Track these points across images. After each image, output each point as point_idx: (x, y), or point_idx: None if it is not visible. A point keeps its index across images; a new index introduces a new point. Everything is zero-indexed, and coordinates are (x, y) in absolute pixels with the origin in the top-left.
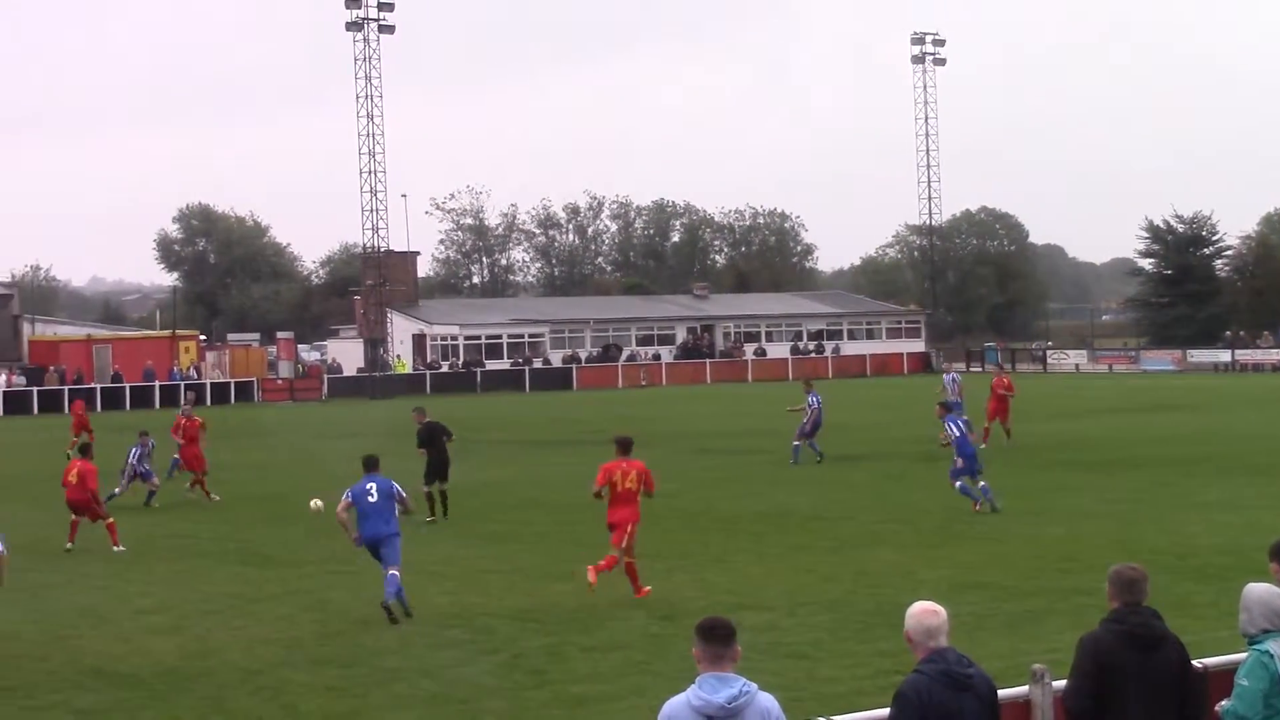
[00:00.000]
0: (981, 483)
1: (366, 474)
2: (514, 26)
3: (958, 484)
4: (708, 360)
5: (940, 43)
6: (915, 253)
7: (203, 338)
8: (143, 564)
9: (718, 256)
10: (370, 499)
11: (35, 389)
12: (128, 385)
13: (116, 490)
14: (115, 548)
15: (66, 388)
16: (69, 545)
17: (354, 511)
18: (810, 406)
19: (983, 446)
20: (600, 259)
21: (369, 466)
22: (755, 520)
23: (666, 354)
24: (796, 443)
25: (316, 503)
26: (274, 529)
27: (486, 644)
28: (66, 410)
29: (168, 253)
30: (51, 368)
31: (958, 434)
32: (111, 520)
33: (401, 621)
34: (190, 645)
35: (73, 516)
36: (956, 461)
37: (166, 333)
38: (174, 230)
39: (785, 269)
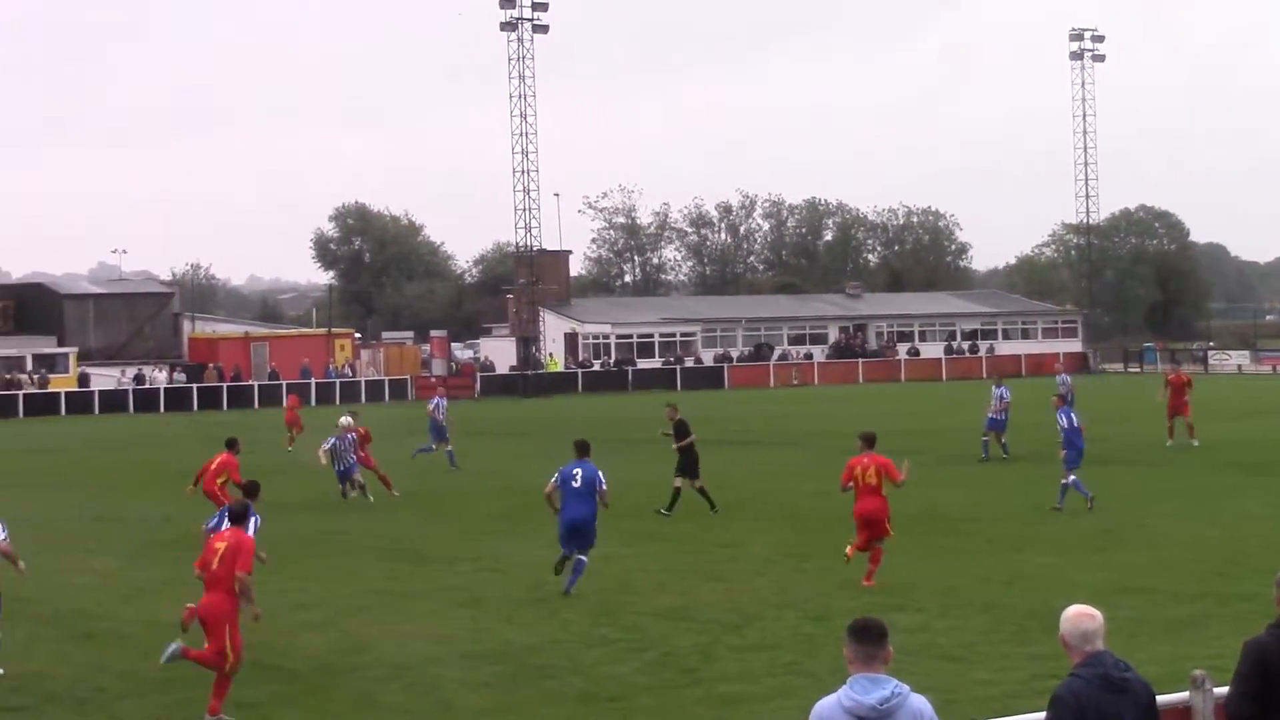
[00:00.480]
0: (1071, 477)
1: (577, 459)
2: (668, 25)
3: (1071, 477)
4: (860, 360)
5: (1099, 39)
6: (1072, 251)
7: (358, 336)
8: (298, 560)
9: (870, 255)
10: (574, 484)
11: (195, 386)
12: (284, 382)
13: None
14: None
15: (225, 384)
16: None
17: (559, 493)
18: (999, 399)
19: (1169, 444)
20: (752, 258)
21: (581, 451)
22: (907, 521)
23: (818, 353)
24: (985, 438)
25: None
26: (426, 526)
27: (637, 642)
28: (225, 406)
29: (324, 252)
30: (210, 365)
31: (1066, 425)
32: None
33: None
34: (343, 640)
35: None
36: (1061, 453)
37: (322, 330)
38: (330, 229)
39: (939, 268)
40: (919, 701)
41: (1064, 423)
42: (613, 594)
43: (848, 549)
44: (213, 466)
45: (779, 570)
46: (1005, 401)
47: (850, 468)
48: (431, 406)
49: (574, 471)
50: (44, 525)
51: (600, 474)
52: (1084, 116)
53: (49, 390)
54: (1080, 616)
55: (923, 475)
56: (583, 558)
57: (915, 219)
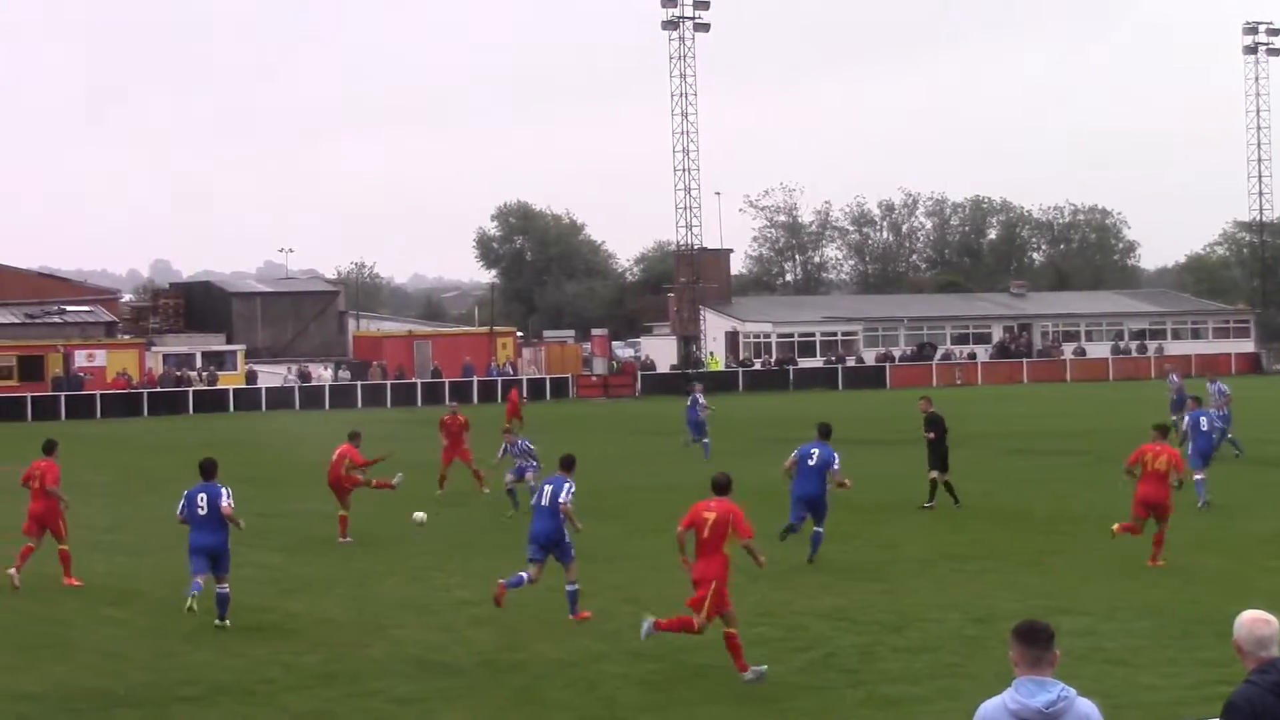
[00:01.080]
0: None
1: (818, 439)
2: (828, 23)
3: (1198, 475)
4: (1024, 360)
5: (1275, 32)
6: (1244, 250)
7: (519, 334)
8: (461, 556)
9: (1035, 254)
10: (810, 461)
11: (359, 383)
12: (447, 380)
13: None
14: (341, 538)
15: (389, 382)
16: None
17: (795, 469)
18: (1219, 394)
19: None
20: (915, 256)
21: (822, 434)
22: (1072, 522)
23: (982, 353)
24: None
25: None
26: (589, 525)
27: (797, 642)
28: (389, 404)
29: (486, 250)
30: (375, 363)
31: (1194, 426)
32: (343, 514)
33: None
34: (506, 637)
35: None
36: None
37: (484, 329)
38: (493, 228)
39: (1106, 266)
40: (1086, 706)
41: (1194, 424)
42: (773, 593)
43: (1115, 526)
44: (334, 458)
45: (940, 571)
46: (1226, 396)
47: (1141, 452)
48: (690, 402)
49: (811, 451)
50: None
51: (835, 456)
52: (1257, 112)
53: (217, 387)
54: (1255, 622)
55: (1087, 476)
56: (819, 529)
57: (1081, 217)
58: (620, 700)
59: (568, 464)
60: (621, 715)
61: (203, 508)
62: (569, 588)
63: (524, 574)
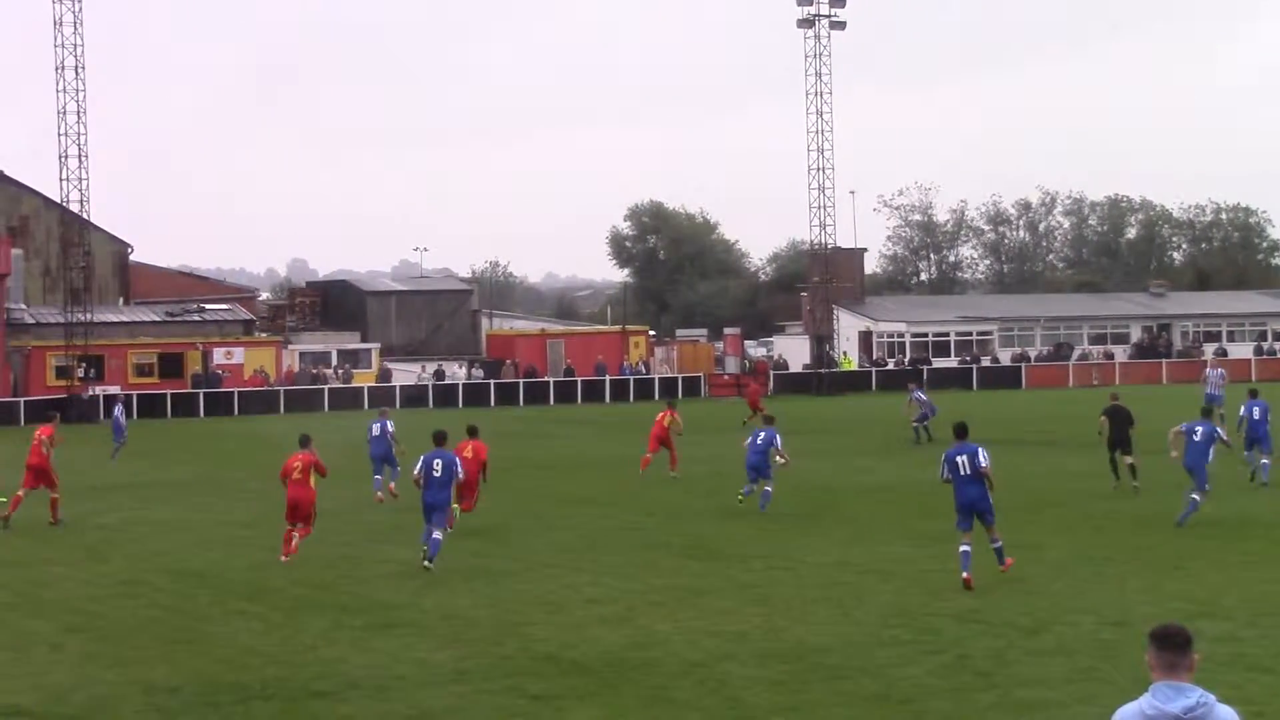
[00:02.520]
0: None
1: (958, 443)
2: (963, 22)
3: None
4: (1164, 360)
5: None
6: None
7: (652, 333)
8: (593, 554)
9: (1175, 253)
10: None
11: (492, 382)
12: (579, 379)
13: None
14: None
15: (521, 380)
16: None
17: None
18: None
19: None
20: (1051, 256)
21: (959, 434)
22: (1213, 526)
23: (1120, 353)
24: None
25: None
26: (720, 523)
27: (931, 644)
28: (521, 403)
29: (619, 249)
30: (508, 361)
31: (1247, 415)
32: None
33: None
34: (637, 636)
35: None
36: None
37: (617, 328)
38: (626, 227)
39: (1249, 266)
40: (1226, 712)
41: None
42: (907, 594)
43: None
44: (466, 454)
45: (1077, 574)
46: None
47: None
48: (911, 399)
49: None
50: (348, 516)
51: (983, 453)
52: None
53: (353, 385)
54: None
55: (1229, 479)
56: (998, 541)
57: (1224, 216)
58: (749, 701)
59: (961, 432)
60: (751, 716)
61: (437, 470)
62: (994, 544)
63: (965, 545)
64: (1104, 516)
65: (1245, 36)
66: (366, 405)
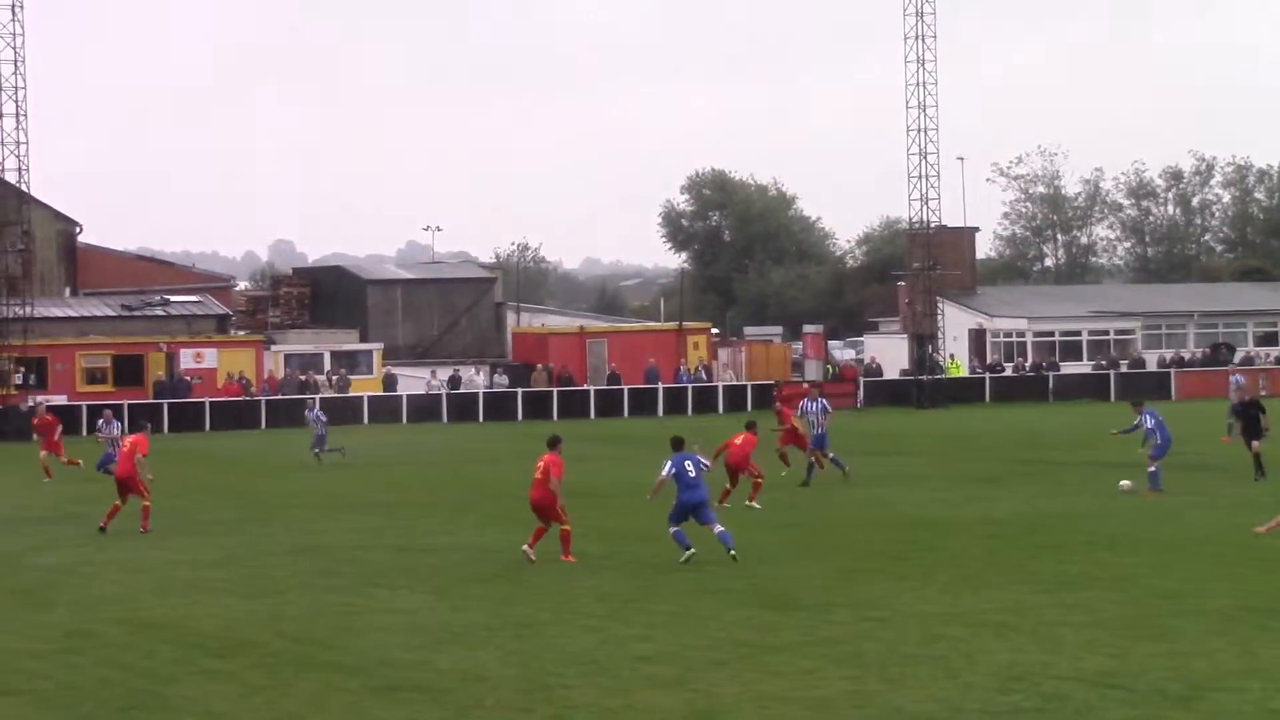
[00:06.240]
0: None
1: (677, 453)
2: None
3: None
4: None
5: None
6: None
7: (715, 331)
8: (642, 601)
9: None
10: (688, 472)
11: (519, 390)
12: (625, 388)
13: None
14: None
15: (555, 389)
16: (526, 549)
17: None
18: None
19: None
20: (1208, 236)
21: (676, 446)
22: None
23: None
24: None
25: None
26: (796, 565)
27: (1057, 713)
28: (555, 416)
29: (675, 229)
30: (539, 365)
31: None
32: (566, 527)
33: None
34: (697, 701)
35: (537, 524)
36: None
37: (672, 325)
38: (683, 202)
39: None
40: None
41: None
42: (1028, 651)
43: None
44: (539, 470)
45: (1240, 629)
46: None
47: None
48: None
49: (685, 463)
50: (341, 555)
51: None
52: None
53: (349, 394)
54: None
55: None
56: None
57: None
58: None
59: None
60: None
61: (691, 471)
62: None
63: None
64: (1274, 558)
65: None
66: (366, 419)
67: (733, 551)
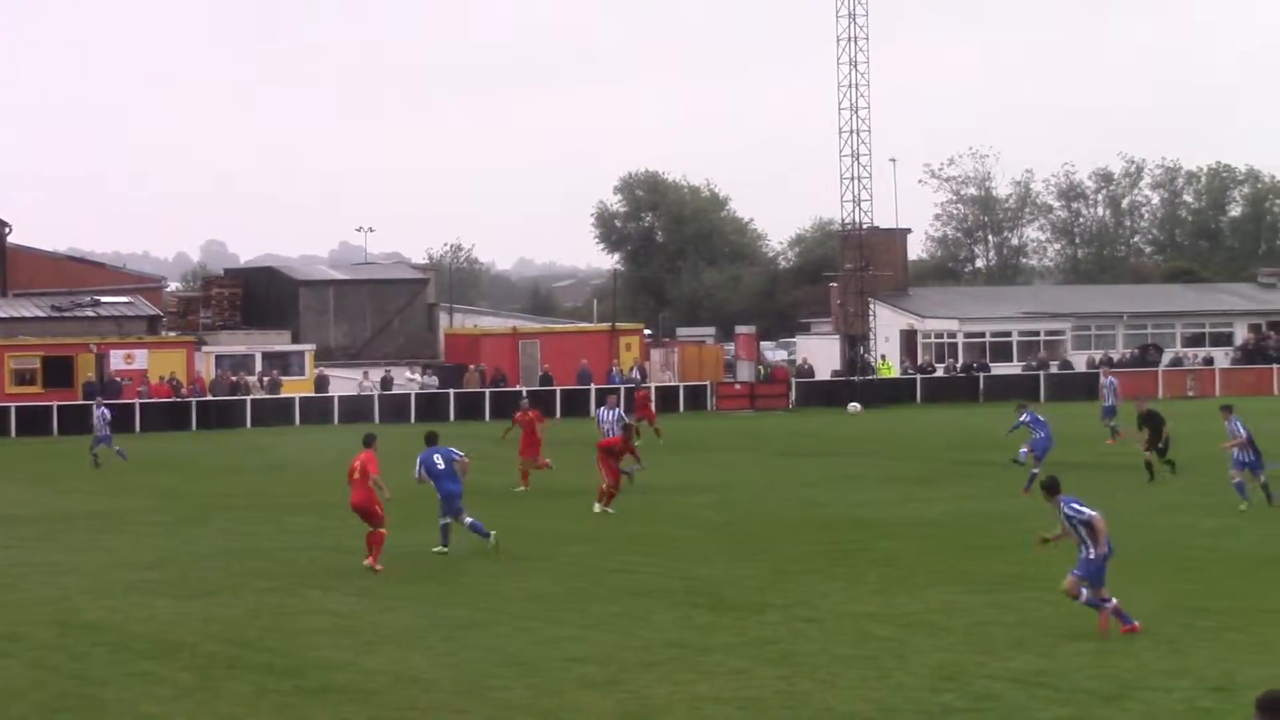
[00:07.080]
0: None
1: (430, 447)
2: None
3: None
4: (1276, 365)
5: None
6: None
7: (648, 332)
8: (575, 602)
9: None
10: (437, 465)
11: (451, 391)
12: (558, 389)
13: None
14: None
15: (487, 389)
16: (367, 563)
17: None
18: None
19: None
20: (1137, 238)
21: (430, 440)
22: None
23: (1222, 357)
24: None
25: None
26: (729, 565)
27: (989, 713)
28: (488, 416)
29: (608, 229)
30: (471, 366)
31: (1244, 434)
32: (383, 530)
33: None
34: (629, 703)
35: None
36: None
37: (605, 326)
38: (616, 203)
39: None
40: None
41: (1239, 432)
42: (959, 652)
43: None
44: (355, 469)
45: (1167, 628)
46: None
47: None
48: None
49: (434, 457)
50: (274, 557)
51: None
52: None
53: (281, 395)
54: None
55: None
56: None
57: None
58: None
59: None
60: None
61: (440, 464)
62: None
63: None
64: (1199, 558)
65: None
66: (298, 420)
67: (491, 536)
